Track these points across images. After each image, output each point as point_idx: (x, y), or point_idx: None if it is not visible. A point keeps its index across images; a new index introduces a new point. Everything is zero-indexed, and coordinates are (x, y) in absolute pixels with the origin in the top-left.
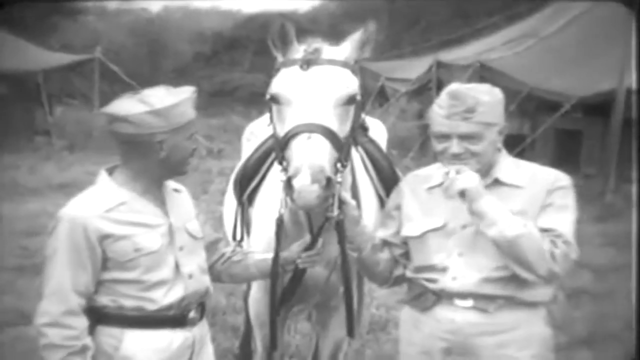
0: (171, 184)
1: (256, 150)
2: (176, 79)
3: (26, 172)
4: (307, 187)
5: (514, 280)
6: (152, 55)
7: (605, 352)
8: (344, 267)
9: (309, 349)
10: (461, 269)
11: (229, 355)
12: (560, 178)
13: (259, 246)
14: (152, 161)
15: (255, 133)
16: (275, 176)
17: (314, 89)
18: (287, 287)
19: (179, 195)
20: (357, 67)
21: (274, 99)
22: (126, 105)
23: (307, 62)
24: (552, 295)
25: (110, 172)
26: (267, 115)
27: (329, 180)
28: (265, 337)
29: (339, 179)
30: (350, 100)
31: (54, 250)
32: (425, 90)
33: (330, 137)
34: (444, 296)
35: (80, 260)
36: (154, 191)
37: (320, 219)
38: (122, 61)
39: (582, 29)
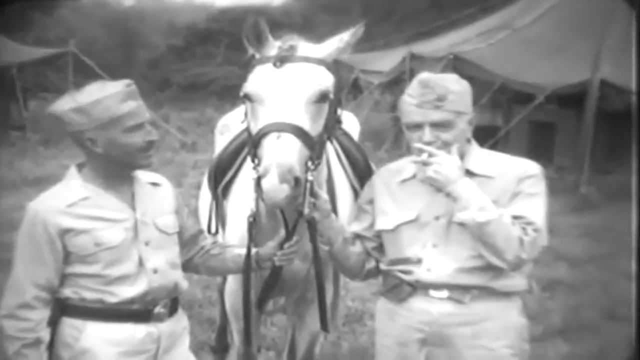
0: (148, 177)
1: (230, 143)
2: (149, 71)
3: (3, 167)
4: (275, 187)
5: (489, 270)
6: (126, 48)
7: (580, 342)
8: (316, 263)
9: (284, 341)
10: (436, 260)
11: (206, 347)
12: (530, 167)
13: (234, 239)
14: (96, 157)
15: (229, 126)
16: (249, 169)
17: (285, 86)
18: (266, 284)
19: (156, 189)
20: (333, 65)
21: (248, 97)
22: (60, 103)
23: (281, 60)
24: (527, 285)
25: (81, 167)
26: (240, 108)
27: (297, 180)
28: (242, 330)
29: (310, 177)
30: (323, 97)
31: (18, 243)
32: (399, 82)
33: (301, 136)
34: (419, 287)
35: (39, 253)
36: (120, 185)
37: (295, 214)
38: (96, 54)
39: (555, 21)
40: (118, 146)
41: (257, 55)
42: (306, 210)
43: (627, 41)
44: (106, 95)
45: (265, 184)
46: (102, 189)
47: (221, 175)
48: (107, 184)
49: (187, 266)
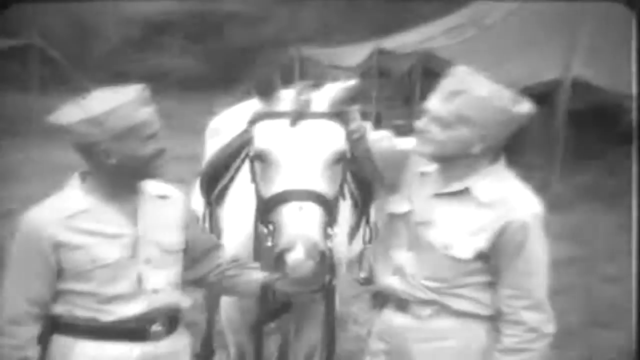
0: (157, 189)
1: (224, 148)
2: (107, 63)
3: None
4: (301, 263)
5: (452, 288)
6: (83, 39)
7: (565, 348)
8: (329, 327)
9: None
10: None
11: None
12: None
13: (231, 248)
14: (106, 168)
15: (218, 130)
16: (246, 176)
17: (303, 148)
18: (275, 312)
19: (164, 202)
20: (343, 117)
21: (259, 156)
22: (67, 113)
23: (297, 117)
24: (495, 312)
25: (84, 176)
26: (230, 110)
27: (322, 255)
28: (240, 344)
29: (329, 244)
30: (341, 158)
31: (11, 254)
32: (366, 78)
33: (321, 204)
34: (390, 296)
35: (32, 268)
36: (125, 198)
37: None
38: (54, 45)
39: (524, 18)
40: (132, 157)
41: (265, 106)
42: (327, 280)
43: (600, 39)
44: (121, 104)
45: (289, 259)
46: (103, 201)
47: (214, 182)
48: (111, 196)
49: (200, 283)
